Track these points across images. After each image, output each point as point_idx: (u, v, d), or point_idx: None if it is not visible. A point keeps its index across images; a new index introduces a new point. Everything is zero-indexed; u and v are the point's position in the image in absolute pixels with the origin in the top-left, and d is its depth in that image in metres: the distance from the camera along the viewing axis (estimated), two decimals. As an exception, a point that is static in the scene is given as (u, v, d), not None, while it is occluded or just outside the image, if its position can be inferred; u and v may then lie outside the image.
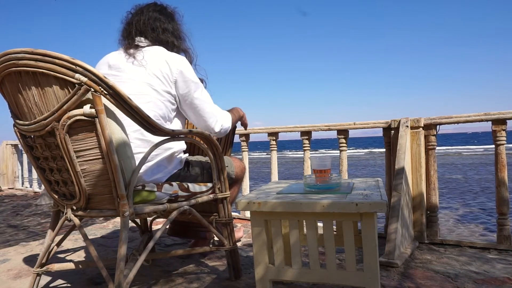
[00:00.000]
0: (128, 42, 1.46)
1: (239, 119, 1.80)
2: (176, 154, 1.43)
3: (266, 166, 17.20)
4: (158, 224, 2.56)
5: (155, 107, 1.35)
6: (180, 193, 1.34)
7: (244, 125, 1.89)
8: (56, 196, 1.29)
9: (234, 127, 1.94)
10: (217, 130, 1.51)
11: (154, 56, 1.39)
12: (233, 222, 1.55)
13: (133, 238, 2.27)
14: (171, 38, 1.51)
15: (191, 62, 1.52)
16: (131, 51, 1.41)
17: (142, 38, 1.47)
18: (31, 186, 5.15)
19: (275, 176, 2.79)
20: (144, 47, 1.44)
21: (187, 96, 1.42)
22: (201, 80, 1.59)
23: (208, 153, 1.43)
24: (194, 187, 1.40)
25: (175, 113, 1.46)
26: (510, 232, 1.92)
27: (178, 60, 1.41)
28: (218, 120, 1.52)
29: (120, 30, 1.52)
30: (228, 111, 1.72)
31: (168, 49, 1.47)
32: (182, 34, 1.59)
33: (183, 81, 1.40)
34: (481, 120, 1.97)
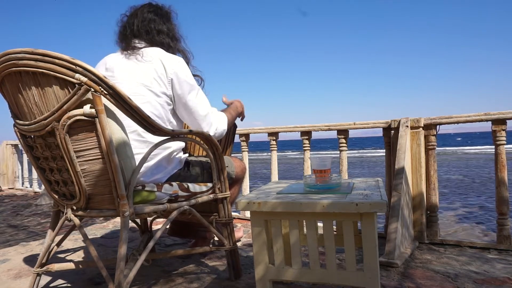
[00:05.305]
0: (125, 44, 1.46)
1: (238, 116, 1.78)
2: (175, 153, 1.43)
3: (266, 166, 17.20)
4: (158, 224, 2.56)
5: (152, 107, 1.35)
6: (180, 193, 1.34)
7: (242, 118, 1.85)
8: (56, 196, 1.29)
9: (234, 127, 1.93)
10: (211, 133, 1.49)
11: (150, 57, 1.39)
12: (233, 222, 1.55)
13: (133, 238, 2.27)
14: (166, 40, 1.50)
15: (187, 63, 1.52)
16: (128, 52, 1.42)
17: (139, 40, 1.47)
18: (31, 186, 5.15)
19: (275, 176, 2.79)
20: (141, 48, 1.44)
21: (181, 97, 1.41)
22: (199, 77, 1.58)
23: (208, 153, 1.43)
24: (194, 187, 1.40)
25: (173, 113, 1.46)
26: (510, 232, 1.92)
27: (174, 61, 1.41)
28: (213, 124, 1.50)
29: (116, 33, 1.52)
30: (227, 107, 1.71)
31: (164, 50, 1.46)
32: (177, 34, 1.57)
33: (177, 82, 1.39)
34: (481, 120, 1.97)
